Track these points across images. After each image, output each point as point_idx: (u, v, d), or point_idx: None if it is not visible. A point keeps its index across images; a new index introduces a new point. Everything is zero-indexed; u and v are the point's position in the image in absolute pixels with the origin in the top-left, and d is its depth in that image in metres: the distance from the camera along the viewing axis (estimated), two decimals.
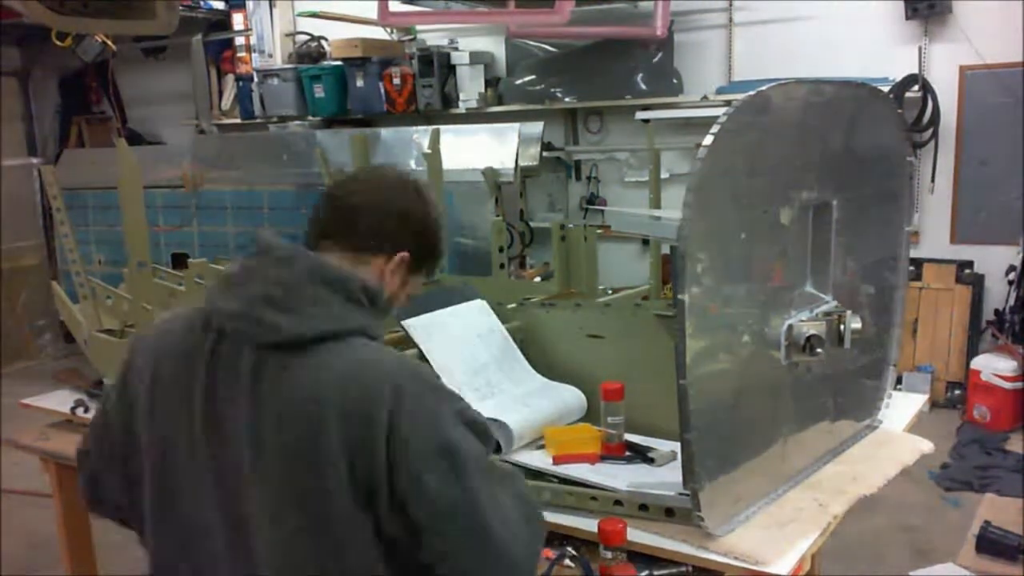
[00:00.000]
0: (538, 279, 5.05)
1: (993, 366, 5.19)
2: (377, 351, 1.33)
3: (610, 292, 3.12)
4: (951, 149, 5.54)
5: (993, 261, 5.48)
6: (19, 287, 7.62)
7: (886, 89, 4.97)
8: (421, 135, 5.68)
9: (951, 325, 5.57)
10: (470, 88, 6.55)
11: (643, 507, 1.89)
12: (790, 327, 1.93)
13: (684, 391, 1.69)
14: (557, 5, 4.51)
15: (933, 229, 5.68)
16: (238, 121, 7.56)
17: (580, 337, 2.42)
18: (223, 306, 1.30)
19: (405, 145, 5.70)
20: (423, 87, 6.56)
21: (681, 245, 1.66)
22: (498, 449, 2.08)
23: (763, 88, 1.77)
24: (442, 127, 3.99)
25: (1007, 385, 5.11)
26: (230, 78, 7.67)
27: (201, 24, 7.40)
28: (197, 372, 1.31)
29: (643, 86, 6.15)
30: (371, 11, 5.02)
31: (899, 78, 5.43)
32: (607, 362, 2.32)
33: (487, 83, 6.59)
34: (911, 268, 4.92)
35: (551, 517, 1.80)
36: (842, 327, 1.99)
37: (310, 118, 7.07)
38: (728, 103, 2.28)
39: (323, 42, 7.20)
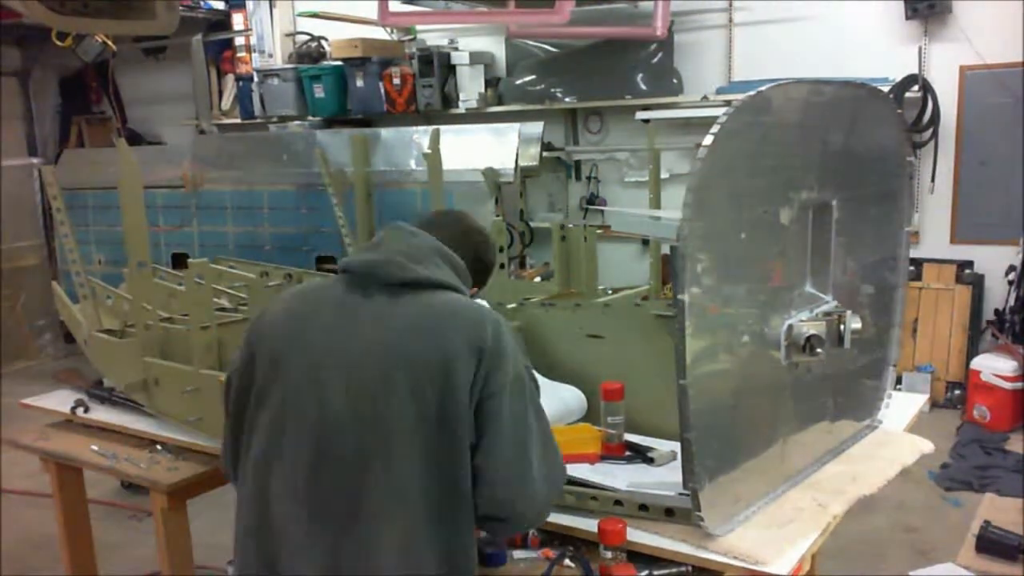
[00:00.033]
0: (538, 279, 5.06)
1: (993, 366, 5.19)
2: (476, 302, 1.76)
3: (610, 292, 3.12)
4: (951, 149, 5.54)
5: (993, 261, 5.48)
6: (19, 287, 7.62)
7: (886, 89, 4.98)
8: (421, 135, 5.67)
9: (951, 325, 5.57)
10: (470, 88, 6.55)
11: (643, 507, 1.89)
12: (790, 327, 1.93)
13: (684, 391, 1.69)
14: (557, 5, 4.51)
15: (933, 229, 5.68)
16: (238, 121, 7.56)
17: (580, 337, 2.42)
18: (369, 257, 1.70)
19: (405, 145, 5.69)
20: (423, 87, 6.56)
21: (681, 245, 1.66)
22: None
23: (763, 88, 1.77)
24: (442, 127, 3.99)
25: (1007, 385, 5.11)
26: (230, 78, 7.67)
27: (201, 24, 7.40)
28: (324, 313, 1.67)
29: (643, 86, 6.15)
30: (371, 11, 5.01)
31: (899, 78, 5.43)
32: (607, 362, 2.33)
33: (487, 83, 6.59)
34: (911, 268, 4.92)
35: (551, 517, 1.81)
36: (842, 327, 1.99)
37: (310, 118, 7.07)
38: (728, 103, 2.28)
39: (323, 42, 7.20)
